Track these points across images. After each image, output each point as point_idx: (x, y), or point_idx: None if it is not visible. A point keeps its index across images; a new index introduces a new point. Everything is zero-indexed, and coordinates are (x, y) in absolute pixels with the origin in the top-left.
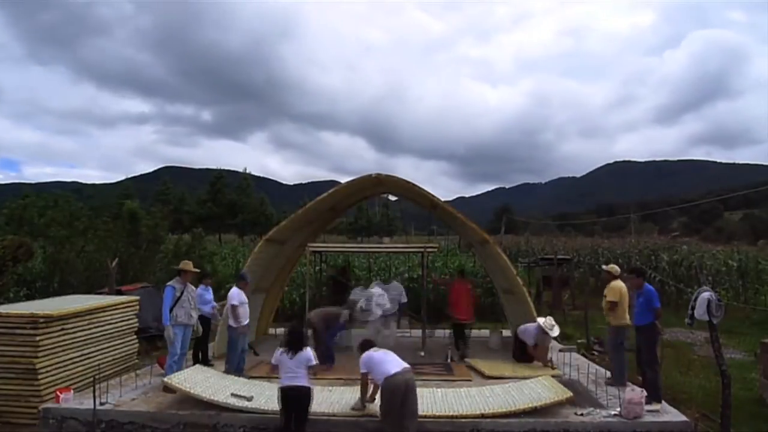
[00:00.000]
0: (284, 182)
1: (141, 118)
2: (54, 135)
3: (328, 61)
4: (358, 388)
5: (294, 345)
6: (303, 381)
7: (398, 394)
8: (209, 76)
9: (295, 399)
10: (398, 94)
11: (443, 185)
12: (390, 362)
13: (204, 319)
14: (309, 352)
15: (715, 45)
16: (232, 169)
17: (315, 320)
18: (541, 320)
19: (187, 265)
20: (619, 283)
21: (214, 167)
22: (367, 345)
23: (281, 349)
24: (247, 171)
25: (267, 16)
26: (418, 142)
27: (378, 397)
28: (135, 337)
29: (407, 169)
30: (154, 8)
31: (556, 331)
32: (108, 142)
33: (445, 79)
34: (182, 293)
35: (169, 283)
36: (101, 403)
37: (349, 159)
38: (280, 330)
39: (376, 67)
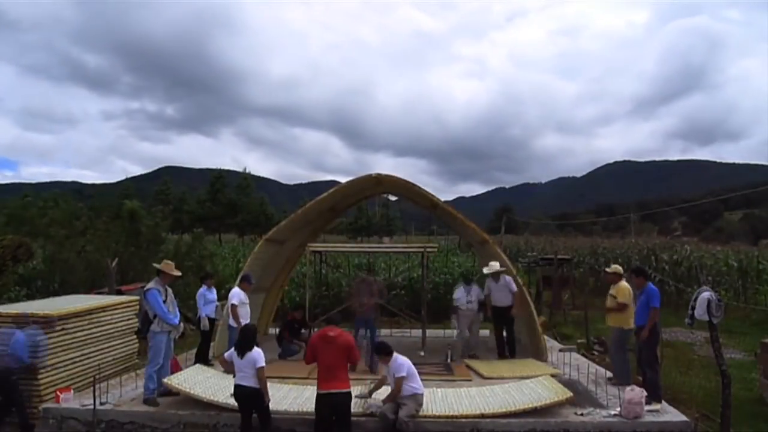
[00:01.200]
0: (284, 182)
1: (105, 116)
2: (23, 132)
3: (289, 55)
4: (362, 387)
5: (243, 345)
6: (250, 381)
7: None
8: (160, 70)
9: (242, 399)
10: (369, 90)
11: (423, 184)
12: (419, 380)
13: (210, 320)
14: (256, 354)
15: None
16: (232, 168)
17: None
18: (485, 269)
19: (169, 266)
20: (626, 284)
21: (213, 167)
22: (388, 348)
23: (233, 349)
24: (247, 171)
25: (207, 7)
26: (392, 139)
27: (410, 405)
28: (135, 337)
29: (386, 169)
30: (89, 3)
31: (494, 267)
32: (77, 140)
33: (418, 74)
34: (166, 296)
35: (150, 287)
36: (101, 403)
37: (325, 156)
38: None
39: (342, 62)
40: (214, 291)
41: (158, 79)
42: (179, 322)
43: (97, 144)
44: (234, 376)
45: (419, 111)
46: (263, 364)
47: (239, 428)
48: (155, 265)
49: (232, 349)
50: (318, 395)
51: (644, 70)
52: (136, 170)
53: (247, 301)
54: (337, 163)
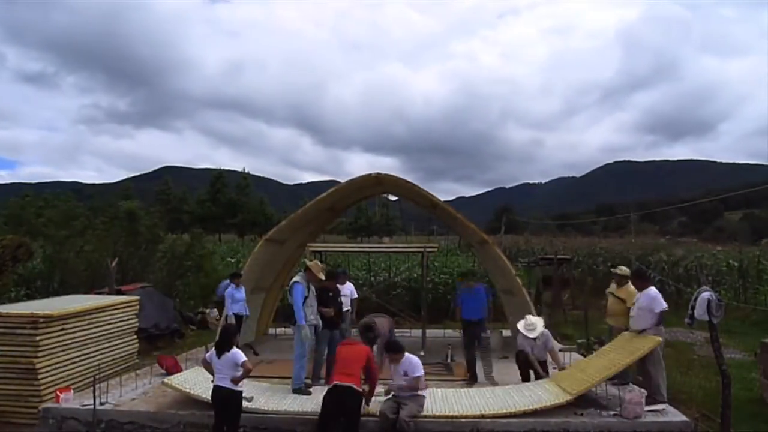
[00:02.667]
0: (284, 182)
1: (57, 113)
2: None
3: (233, 47)
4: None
5: (221, 345)
6: (227, 383)
7: None
8: (94, 65)
9: (219, 400)
10: (332, 85)
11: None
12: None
13: (237, 317)
14: (236, 354)
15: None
16: (232, 168)
17: (383, 330)
18: (520, 325)
19: (317, 266)
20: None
21: (213, 167)
22: (401, 347)
23: (212, 349)
24: (246, 171)
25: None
26: (360, 136)
27: (412, 405)
28: (135, 337)
29: (360, 167)
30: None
31: (536, 331)
32: (36, 137)
33: (385, 69)
34: (308, 293)
35: (296, 280)
36: (101, 403)
37: (295, 153)
38: (280, 330)
39: (306, 56)
40: (243, 290)
41: (97, 75)
42: (304, 323)
43: (60, 140)
44: (213, 377)
45: (384, 107)
46: (245, 358)
47: (211, 429)
48: (306, 261)
49: (212, 350)
50: (328, 389)
51: (631, 64)
52: (105, 166)
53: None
54: (309, 160)
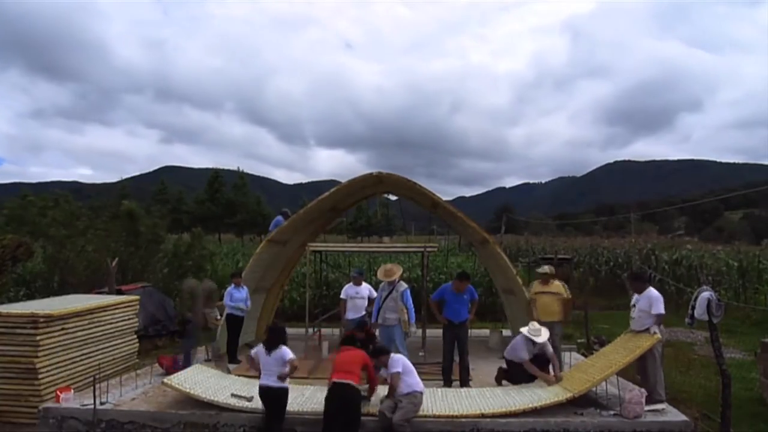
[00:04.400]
0: (284, 182)
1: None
2: None
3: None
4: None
5: (272, 342)
6: (274, 380)
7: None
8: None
9: (268, 397)
10: (281, 77)
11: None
12: (417, 377)
13: (236, 318)
14: (285, 351)
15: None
16: (232, 168)
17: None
18: (524, 329)
19: (387, 271)
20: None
21: (212, 167)
22: (385, 349)
23: (259, 346)
24: (241, 170)
25: None
26: (320, 131)
27: (407, 406)
28: (135, 336)
29: (328, 164)
30: None
31: (543, 336)
32: None
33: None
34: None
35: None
36: (101, 403)
37: (258, 148)
38: None
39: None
40: (244, 289)
41: (19, 67)
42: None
43: (14, 134)
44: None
45: (345, 101)
46: (293, 356)
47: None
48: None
49: (259, 345)
50: (328, 388)
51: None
52: (70, 162)
53: (358, 296)
54: (274, 156)
